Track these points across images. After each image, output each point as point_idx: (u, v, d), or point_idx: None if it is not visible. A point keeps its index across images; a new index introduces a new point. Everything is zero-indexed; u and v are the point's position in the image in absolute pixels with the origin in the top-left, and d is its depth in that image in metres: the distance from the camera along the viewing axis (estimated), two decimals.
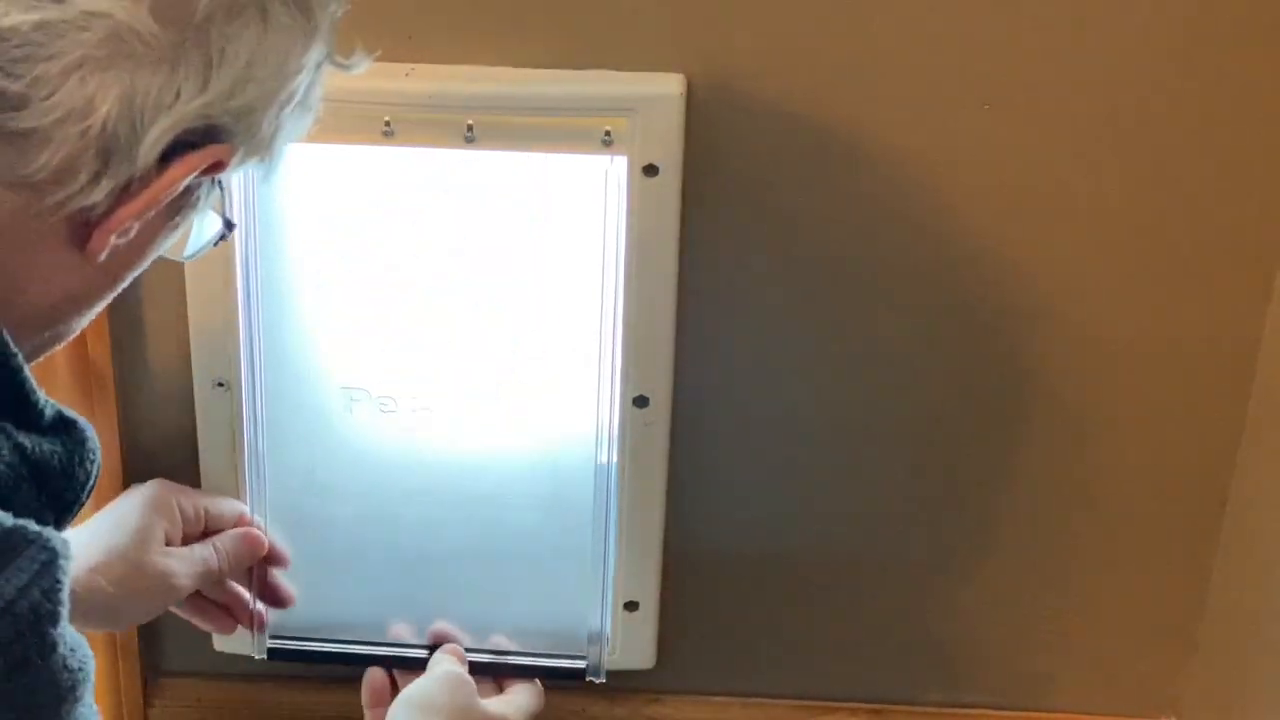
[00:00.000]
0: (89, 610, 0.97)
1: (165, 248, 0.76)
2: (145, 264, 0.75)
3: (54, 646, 0.64)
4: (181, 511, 1.04)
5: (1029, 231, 1.06)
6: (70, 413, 0.72)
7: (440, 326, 1.08)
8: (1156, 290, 1.08)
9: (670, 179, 1.01)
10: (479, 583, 1.13)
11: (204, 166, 0.69)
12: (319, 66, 0.74)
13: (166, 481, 1.06)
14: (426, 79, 0.99)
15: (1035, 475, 1.14)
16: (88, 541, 0.98)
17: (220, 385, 1.08)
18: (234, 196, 0.96)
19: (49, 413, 0.70)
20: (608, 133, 1.00)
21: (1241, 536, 1.13)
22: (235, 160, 0.71)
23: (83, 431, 0.72)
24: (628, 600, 1.14)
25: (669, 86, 1.00)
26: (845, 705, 1.22)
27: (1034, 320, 1.09)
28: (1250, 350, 1.09)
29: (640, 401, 1.08)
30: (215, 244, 0.83)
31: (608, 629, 1.14)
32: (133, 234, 0.69)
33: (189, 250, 0.82)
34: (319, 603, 1.13)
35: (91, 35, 0.63)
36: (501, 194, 1.03)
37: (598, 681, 1.13)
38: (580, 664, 1.13)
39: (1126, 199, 1.05)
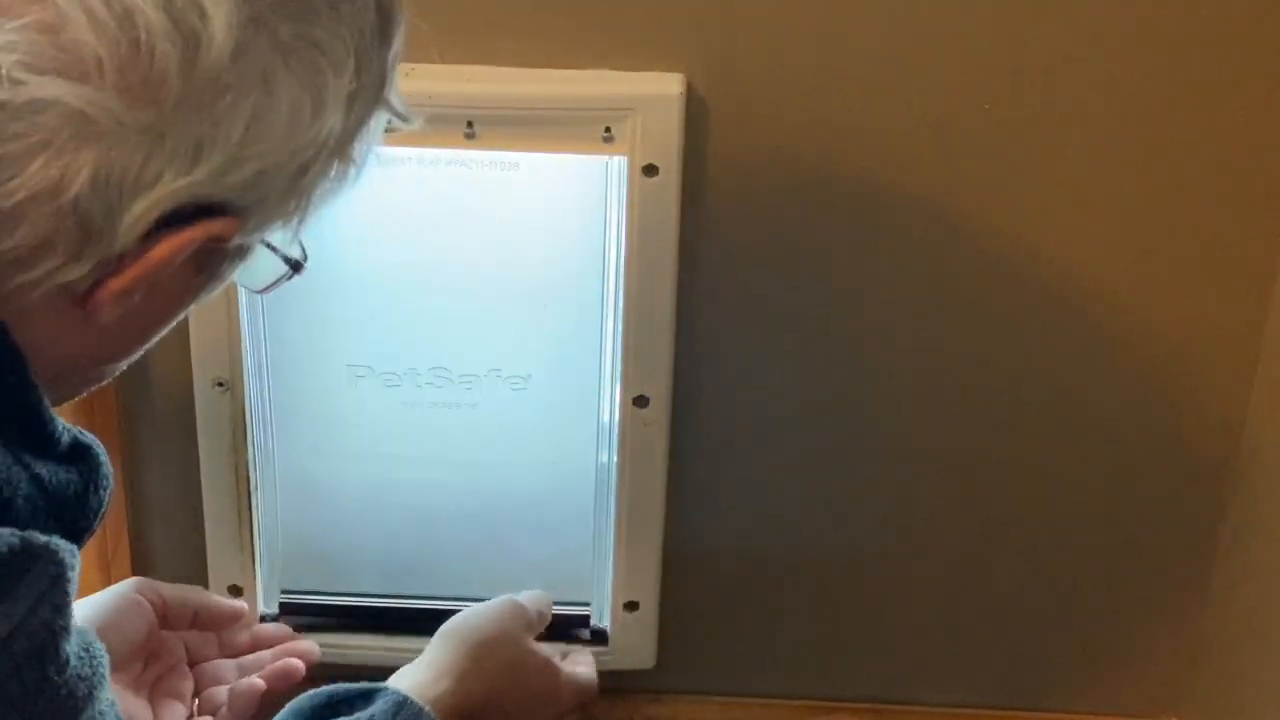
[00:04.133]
0: None
1: (210, 295, 0.73)
2: (180, 313, 0.72)
3: (67, 661, 0.64)
4: (162, 597, 0.98)
5: (1028, 232, 1.06)
6: (85, 438, 0.71)
7: (441, 325, 1.08)
8: (1157, 290, 1.08)
9: (670, 179, 1.01)
10: (483, 548, 1.14)
11: (200, 241, 0.65)
12: (359, 126, 0.70)
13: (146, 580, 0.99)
14: (426, 79, 0.99)
15: (1035, 475, 1.14)
16: None
17: (220, 385, 1.08)
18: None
19: (65, 440, 0.69)
20: (608, 131, 1.00)
21: (1242, 537, 1.13)
22: (245, 232, 0.67)
23: (97, 457, 0.72)
24: (628, 600, 1.14)
25: (669, 86, 1.00)
26: (845, 705, 1.22)
27: (1034, 320, 1.09)
28: (1250, 350, 1.09)
29: (640, 401, 1.08)
30: (287, 280, 0.78)
31: (608, 629, 1.15)
32: (137, 299, 0.66)
33: (259, 285, 0.78)
34: (327, 561, 1.14)
35: (48, 119, 0.60)
36: (502, 193, 1.03)
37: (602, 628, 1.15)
38: (585, 610, 1.14)
39: (1126, 199, 1.05)
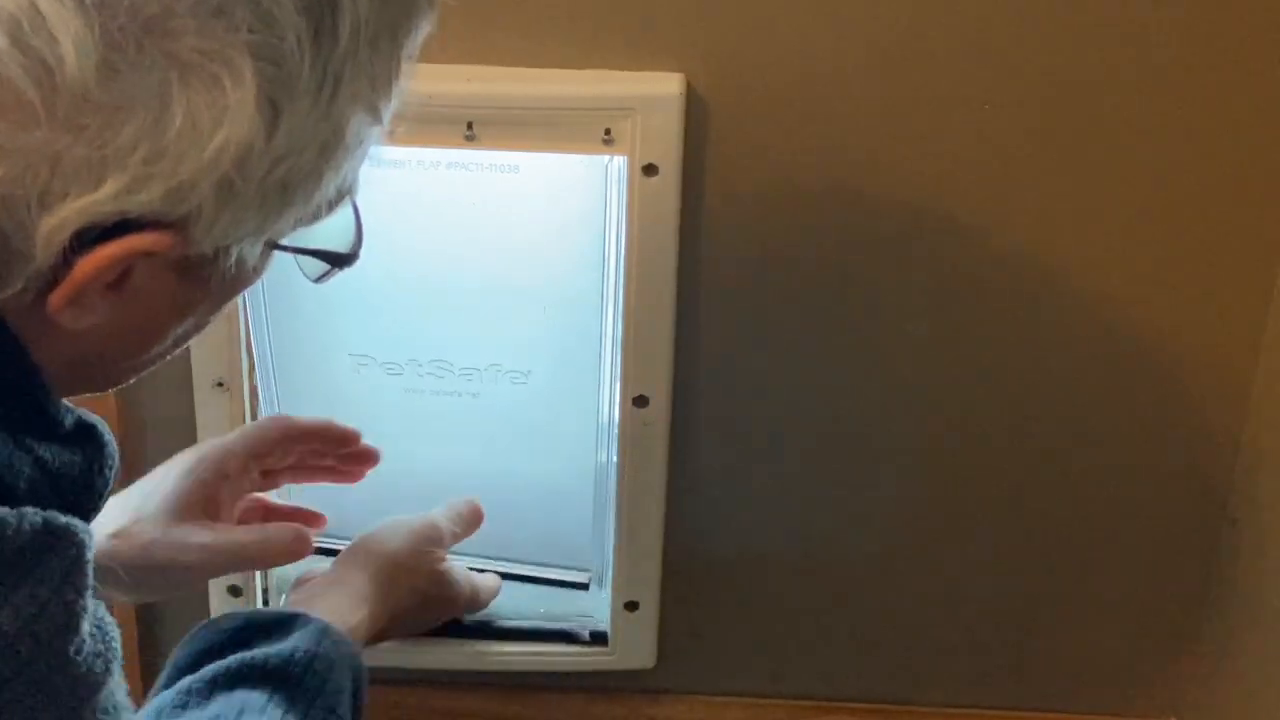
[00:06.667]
0: (106, 579, 0.95)
1: (229, 301, 0.72)
2: (186, 317, 0.70)
3: (84, 641, 0.65)
4: (231, 469, 1.00)
5: (1028, 232, 1.06)
6: (89, 417, 0.71)
7: (442, 326, 1.08)
8: (1157, 290, 1.08)
9: (670, 179, 1.01)
10: (484, 545, 1.13)
11: (123, 256, 0.63)
12: (303, 126, 0.65)
13: (215, 442, 1.01)
14: (426, 79, 0.99)
15: (1035, 476, 1.14)
16: (118, 505, 0.96)
17: (220, 385, 1.08)
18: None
19: (69, 421, 0.69)
20: (608, 132, 1.00)
21: (1242, 536, 1.13)
22: (191, 244, 0.64)
23: (101, 436, 0.71)
24: (628, 600, 1.14)
25: (669, 86, 1.00)
26: (845, 705, 1.22)
27: (1034, 321, 1.09)
28: (1250, 350, 1.09)
29: (640, 401, 1.08)
30: (339, 270, 0.77)
31: (608, 629, 1.15)
32: (100, 307, 0.64)
33: (312, 275, 0.77)
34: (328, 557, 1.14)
35: None
36: (502, 194, 1.03)
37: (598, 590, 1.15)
38: (584, 576, 1.14)
39: (1126, 199, 1.05)
